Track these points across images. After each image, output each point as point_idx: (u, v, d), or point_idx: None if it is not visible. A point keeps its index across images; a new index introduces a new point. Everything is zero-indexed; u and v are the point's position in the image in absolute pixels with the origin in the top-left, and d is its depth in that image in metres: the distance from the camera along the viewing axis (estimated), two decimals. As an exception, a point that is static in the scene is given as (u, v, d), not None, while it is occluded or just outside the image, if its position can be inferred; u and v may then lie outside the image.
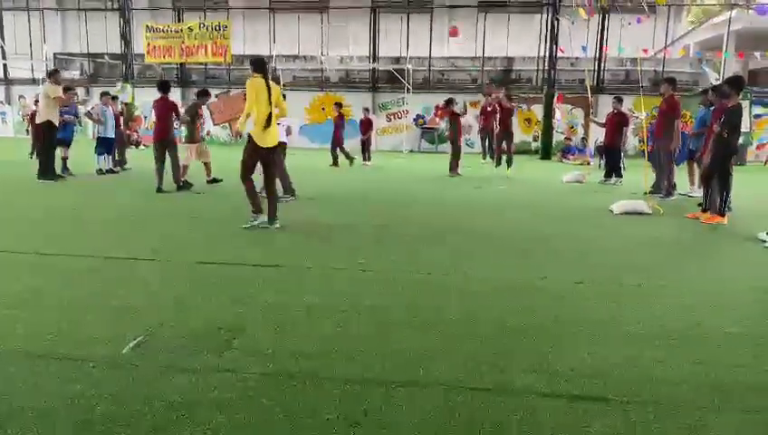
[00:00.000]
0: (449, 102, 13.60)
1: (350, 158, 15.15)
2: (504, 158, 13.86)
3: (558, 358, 3.27)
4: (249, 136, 6.80)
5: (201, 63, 22.49)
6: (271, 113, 6.70)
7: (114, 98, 13.35)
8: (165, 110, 10.00)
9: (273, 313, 3.95)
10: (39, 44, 23.54)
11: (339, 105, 15.55)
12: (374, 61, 22.68)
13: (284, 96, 7.29)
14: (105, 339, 3.41)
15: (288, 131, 9.50)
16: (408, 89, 21.64)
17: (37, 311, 3.90)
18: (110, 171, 12.42)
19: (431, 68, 23.21)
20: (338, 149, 15.18)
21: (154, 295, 4.28)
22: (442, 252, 5.92)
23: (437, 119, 21.92)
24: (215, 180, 10.76)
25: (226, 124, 21.91)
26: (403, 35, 22.59)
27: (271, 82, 6.84)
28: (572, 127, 21.11)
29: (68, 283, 4.58)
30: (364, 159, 16.32)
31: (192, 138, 10.59)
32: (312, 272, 5.02)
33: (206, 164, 10.88)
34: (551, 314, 4.02)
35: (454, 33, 21.99)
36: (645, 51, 19.14)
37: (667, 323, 3.91)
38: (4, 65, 23.90)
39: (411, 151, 21.66)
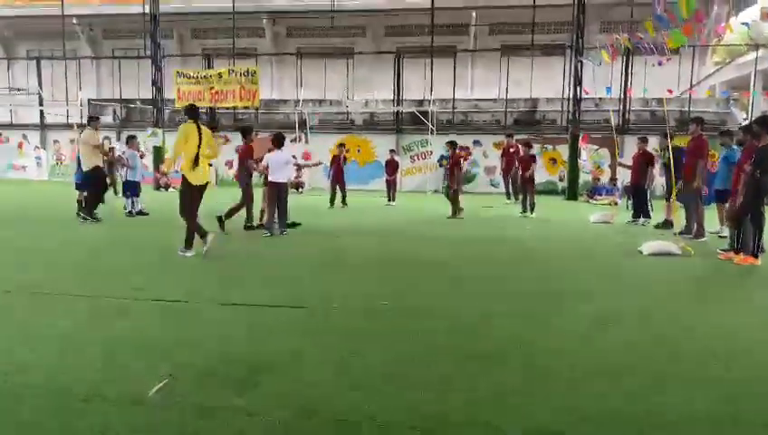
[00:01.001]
0: (453, 145, 13.58)
1: (332, 201, 14.98)
2: (528, 203, 13.82)
3: (577, 401, 3.18)
4: (183, 176, 7.58)
5: (230, 108, 23.02)
6: (197, 154, 7.48)
7: (132, 138, 13.44)
8: (245, 154, 10.46)
9: (296, 353, 3.93)
10: (74, 91, 24.36)
11: (342, 146, 15.66)
12: (398, 104, 22.98)
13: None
14: (131, 381, 3.41)
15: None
16: (431, 130, 21.82)
17: (64, 351, 3.93)
18: (141, 213, 12.62)
19: (455, 110, 23.43)
20: (337, 186, 15.17)
21: (178, 336, 4.29)
22: (460, 294, 5.86)
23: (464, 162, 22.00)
24: (293, 224, 10.63)
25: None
26: (427, 79, 22.91)
27: (203, 127, 7.68)
28: (599, 167, 20.99)
29: (96, 323, 4.62)
30: (389, 199, 16.45)
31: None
32: (338, 312, 5.00)
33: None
34: (576, 357, 3.93)
35: None
36: (670, 91, 19.09)
37: (694, 366, 3.79)
38: (41, 111, 24.74)
39: (435, 192, 21.70)
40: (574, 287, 6.22)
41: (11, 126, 25.51)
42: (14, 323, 4.60)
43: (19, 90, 25.66)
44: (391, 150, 17.51)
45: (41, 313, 4.91)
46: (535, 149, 20.56)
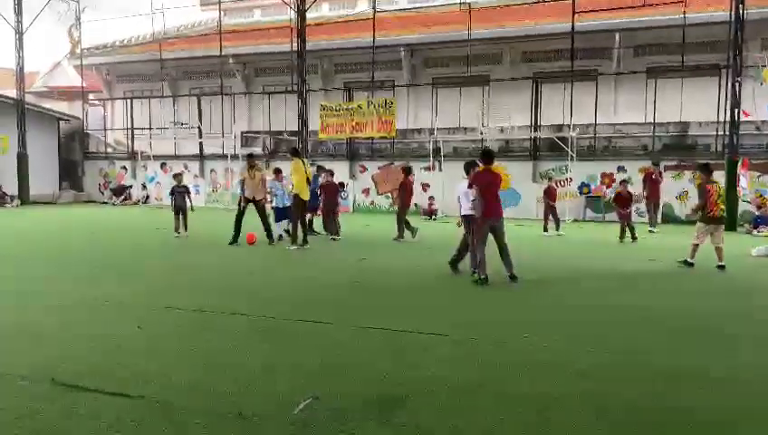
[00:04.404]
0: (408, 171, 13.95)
1: (411, 229, 13.47)
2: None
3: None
4: (295, 195, 11.23)
5: (368, 138, 23.80)
6: (308, 178, 11.27)
7: (330, 172, 14.43)
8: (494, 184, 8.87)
9: (435, 385, 3.92)
10: (229, 124, 26.49)
11: (408, 170, 14.24)
12: (535, 130, 22.47)
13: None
14: (277, 397, 3.60)
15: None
16: (571, 157, 21.07)
17: (213, 371, 4.23)
18: (288, 232, 13.05)
19: (596, 135, 22.46)
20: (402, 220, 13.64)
21: (323, 357, 4.46)
22: (615, 333, 5.55)
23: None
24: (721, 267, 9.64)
25: (389, 194, 22.92)
26: (566, 103, 22.22)
27: (304, 160, 11.57)
28: (761, 195, 19.07)
29: (244, 343, 4.93)
30: (556, 229, 15.63)
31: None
32: (480, 344, 4.94)
33: (717, 249, 9.86)
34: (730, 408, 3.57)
35: None
36: None
37: None
38: (200, 143, 27.12)
39: (575, 220, 20.87)
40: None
41: (175, 157, 28.20)
42: (173, 342, 5.04)
43: (182, 124, 28.33)
44: (548, 178, 17.01)
45: (189, 333, 5.34)
46: (686, 175, 19.26)
